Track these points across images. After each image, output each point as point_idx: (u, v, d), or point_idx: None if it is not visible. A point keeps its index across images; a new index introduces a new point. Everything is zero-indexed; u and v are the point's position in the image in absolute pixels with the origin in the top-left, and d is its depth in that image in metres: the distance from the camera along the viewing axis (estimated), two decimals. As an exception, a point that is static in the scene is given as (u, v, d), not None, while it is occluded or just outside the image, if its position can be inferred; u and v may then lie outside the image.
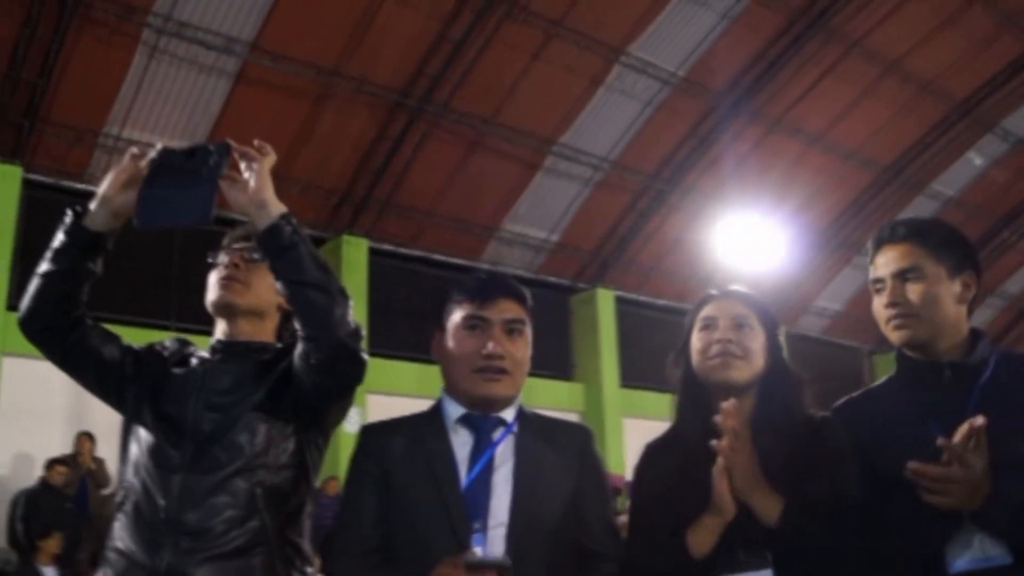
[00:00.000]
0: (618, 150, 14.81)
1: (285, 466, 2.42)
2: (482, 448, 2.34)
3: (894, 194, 17.57)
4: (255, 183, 2.22)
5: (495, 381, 2.34)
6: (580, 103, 14.08)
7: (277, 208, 2.23)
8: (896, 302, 2.39)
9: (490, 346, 2.33)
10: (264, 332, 2.60)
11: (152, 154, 2.22)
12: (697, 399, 2.48)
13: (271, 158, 2.26)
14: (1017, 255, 19.45)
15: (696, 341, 2.51)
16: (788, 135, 15.80)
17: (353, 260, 13.24)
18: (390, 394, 12.12)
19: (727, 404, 2.29)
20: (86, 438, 9.67)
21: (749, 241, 14.79)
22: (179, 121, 12.01)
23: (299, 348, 2.31)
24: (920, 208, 18.14)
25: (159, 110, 11.80)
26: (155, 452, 2.39)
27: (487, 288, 2.40)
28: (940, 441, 2.11)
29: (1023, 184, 18.48)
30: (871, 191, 17.41)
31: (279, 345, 2.58)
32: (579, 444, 2.43)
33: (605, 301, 15.80)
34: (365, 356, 2.37)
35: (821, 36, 14.45)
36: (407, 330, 13.53)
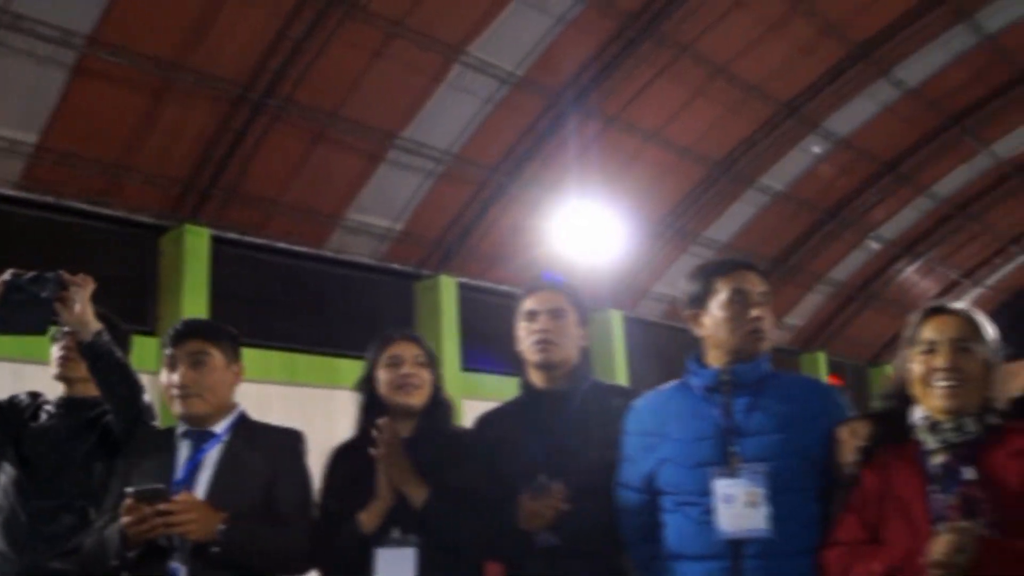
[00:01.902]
0: (459, 144, 15.42)
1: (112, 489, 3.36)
2: (193, 455, 3.09)
3: (726, 187, 18.64)
4: (79, 307, 3.08)
5: (185, 402, 3.11)
6: (421, 99, 14.62)
7: (95, 326, 3.12)
8: (547, 329, 3.29)
9: (174, 378, 3.11)
10: (94, 390, 3.47)
11: (6, 276, 3.06)
12: (376, 416, 3.27)
13: (90, 287, 3.13)
14: (842, 245, 20.77)
15: (384, 374, 3.35)
16: (624, 131, 16.63)
17: (195, 249, 13.47)
18: (232, 378, 12.49)
19: (381, 421, 3.13)
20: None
21: (588, 230, 15.53)
22: (17, 111, 12.11)
23: (112, 415, 3.29)
24: (752, 201, 19.29)
25: (-4, 100, 11.92)
26: (18, 483, 3.43)
27: (177, 333, 3.20)
28: (522, 498, 3.00)
29: (846, 179, 19.77)
30: (705, 184, 18.42)
31: None
32: (282, 443, 3.20)
33: (448, 288, 16.43)
34: (156, 422, 3.41)
35: (653, 40, 15.26)
36: (250, 317, 13.86)
